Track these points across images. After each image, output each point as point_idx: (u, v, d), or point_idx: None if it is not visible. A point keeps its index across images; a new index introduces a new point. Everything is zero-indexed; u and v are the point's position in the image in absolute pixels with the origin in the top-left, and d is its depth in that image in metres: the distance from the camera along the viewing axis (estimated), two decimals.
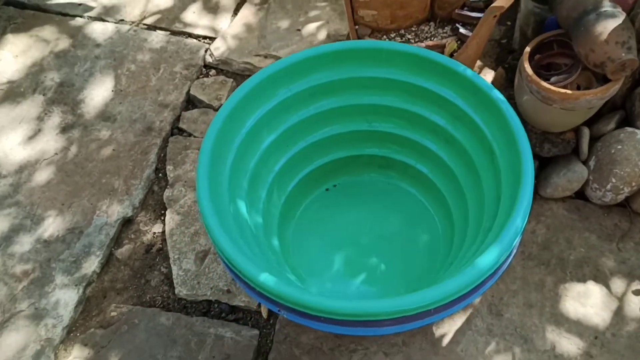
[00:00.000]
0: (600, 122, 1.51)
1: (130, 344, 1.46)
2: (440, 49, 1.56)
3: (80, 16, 2.21)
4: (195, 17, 2.18)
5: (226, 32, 2.11)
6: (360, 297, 1.38)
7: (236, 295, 1.50)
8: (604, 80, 1.36)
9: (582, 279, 1.44)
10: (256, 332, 1.45)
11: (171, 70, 2.01)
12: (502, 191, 1.19)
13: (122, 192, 1.72)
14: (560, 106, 1.36)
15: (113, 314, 1.52)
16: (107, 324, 1.50)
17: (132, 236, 1.67)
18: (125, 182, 1.74)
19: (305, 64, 1.34)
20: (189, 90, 1.96)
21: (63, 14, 2.22)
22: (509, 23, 1.96)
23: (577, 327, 1.37)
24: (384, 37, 1.64)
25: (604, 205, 1.53)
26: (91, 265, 1.59)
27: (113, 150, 1.81)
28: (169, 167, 1.78)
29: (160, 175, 1.79)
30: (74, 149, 1.82)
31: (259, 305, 1.48)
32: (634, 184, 1.44)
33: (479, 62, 1.82)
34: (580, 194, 1.56)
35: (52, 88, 1.98)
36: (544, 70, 1.43)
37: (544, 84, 1.35)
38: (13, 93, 1.97)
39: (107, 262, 1.62)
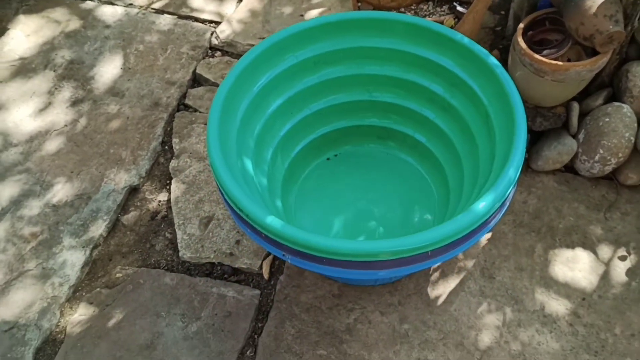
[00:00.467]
0: (589, 98, 1.59)
1: (134, 302, 1.51)
2: None
3: (91, 0, 2.28)
4: (201, 3, 2.26)
5: (231, 16, 2.18)
6: None
7: (239, 258, 1.56)
8: (593, 53, 1.43)
9: (571, 246, 1.50)
10: (257, 292, 1.50)
11: (178, 51, 2.08)
12: (496, 150, 1.25)
13: (129, 162, 1.78)
14: (551, 78, 1.43)
15: (118, 275, 1.57)
16: (113, 284, 1.55)
17: (138, 204, 1.73)
18: (132, 153, 1.80)
19: (311, 32, 1.41)
20: (195, 69, 2.03)
21: None
22: (503, 12, 2.04)
23: (566, 290, 1.43)
24: None
25: (592, 177, 1.60)
26: (98, 229, 1.64)
27: (121, 123, 1.87)
28: (175, 140, 1.84)
29: (166, 147, 1.85)
30: (83, 121, 1.88)
31: (261, 267, 1.54)
32: (620, 155, 1.51)
33: None
34: (570, 168, 1.63)
35: (62, 65, 2.04)
36: (536, 46, 1.51)
37: (537, 56, 1.43)
38: (25, 69, 2.03)
39: (114, 227, 1.68)
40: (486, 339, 1.37)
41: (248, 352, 1.41)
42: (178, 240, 1.61)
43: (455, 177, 1.45)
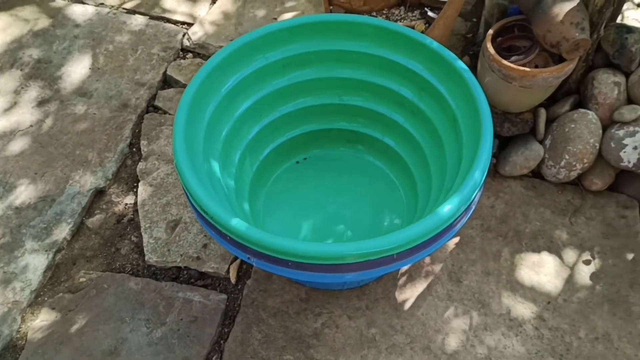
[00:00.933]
0: (556, 105, 1.61)
1: (98, 307, 1.47)
2: None
3: None
4: (174, 4, 2.24)
5: (204, 18, 2.17)
6: None
7: (205, 262, 1.54)
8: (560, 60, 1.45)
9: (537, 250, 1.51)
10: (224, 296, 1.48)
11: (149, 52, 2.05)
12: (463, 154, 1.25)
13: (96, 164, 1.75)
14: (519, 84, 1.45)
15: (82, 279, 1.54)
16: (76, 289, 1.52)
17: (104, 206, 1.70)
18: (99, 154, 1.77)
19: (281, 34, 1.40)
20: (165, 70, 2.00)
21: None
22: (474, 20, 2.06)
23: (532, 293, 1.44)
24: None
25: (558, 182, 1.62)
26: (62, 232, 1.60)
27: (88, 124, 1.84)
28: (143, 142, 1.82)
29: (134, 149, 1.82)
30: (49, 122, 1.84)
31: (228, 271, 1.52)
32: (585, 160, 1.53)
33: None
34: (537, 174, 1.65)
35: (29, 64, 2.00)
36: (505, 52, 1.52)
37: (505, 62, 1.44)
38: None
39: (78, 230, 1.64)
40: (453, 342, 1.37)
41: (214, 358, 1.39)
42: (144, 244, 1.58)
43: (423, 181, 1.45)
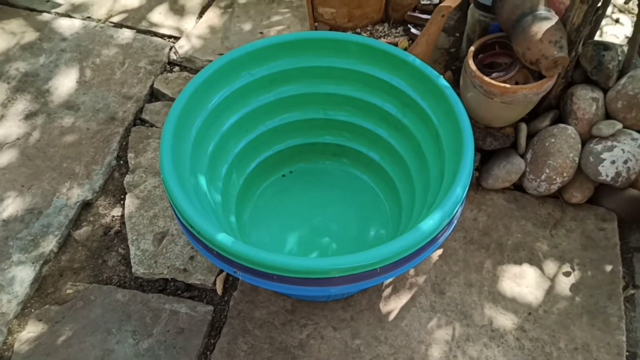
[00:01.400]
0: (536, 120, 1.65)
1: (85, 319, 1.48)
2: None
3: (48, 12, 2.26)
4: (161, 18, 2.26)
5: (191, 32, 2.19)
6: None
7: (192, 274, 1.55)
8: (539, 77, 1.49)
9: (518, 262, 1.54)
10: (211, 308, 1.50)
11: (136, 65, 2.07)
12: (446, 169, 1.28)
13: (83, 177, 1.76)
14: (500, 100, 1.48)
15: (69, 291, 1.54)
16: (63, 301, 1.52)
17: (91, 219, 1.70)
18: (86, 167, 1.78)
19: (267, 51, 1.43)
20: (152, 84, 2.02)
21: (30, 9, 2.26)
22: (457, 35, 2.11)
23: (513, 305, 1.47)
24: None
25: (539, 195, 1.66)
26: (49, 244, 1.61)
27: (75, 137, 1.85)
28: (130, 155, 1.83)
29: (121, 162, 1.83)
30: (36, 135, 1.85)
31: (214, 283, 1.53)
32: (565, 174, 1.57)
33: None
34: (519, 187, 1.69)
35: (16, 77, 2.01)
36: (486, 68, 1.56)
37: (486, 78, 1.48)
38: None
39: (65, 242, 1.65)
40: (436, 353, 1.39)
41: None
42: (131, 256, 1.59)
43: (407, 195, 1.48)
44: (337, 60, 1.48)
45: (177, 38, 2.19)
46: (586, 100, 1.58)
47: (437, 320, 1.45)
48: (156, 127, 1.91)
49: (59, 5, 2.28)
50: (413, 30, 1.69)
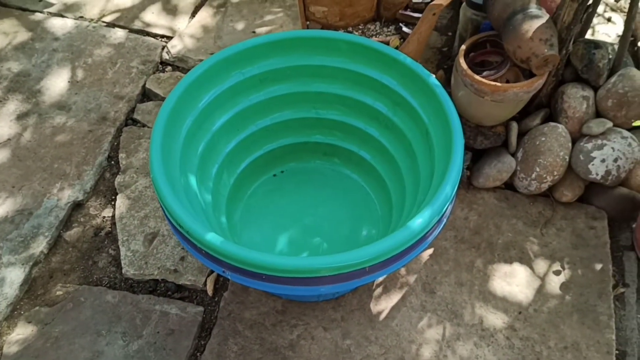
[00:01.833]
0: (527, 118, 1.64)
1: (74, 320, 1.48)
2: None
3: (40, 12, 2.25)
4: (154, 17, 2.25)
5: (183, 31, 2.19)
6: None
7: (183, 275, 1.55)
8: (530, 75, 1.49)
9: (509, 261, 1.54)
10: (201, 309, 1.49)
11: (128, 65, 2.07)
12: (435, 167, 1.28)
13: (74, 177, 1.75)
14: (491, 98, 1.48)
15: (59, 292, 1.54)
16: (53, 303, 1.52)
17: (82, 219, 1.70)
18: (77, 168, 1.78)
19: (257, 50, 1.43)
20: (144, 84, 2.01)
21: (23, 9, 2.26)
22: (450, 34, 2.10)
23: (503, 304, 1.47)
24: None
25: (530, 194, 1.65)
26: (39, 245, 1.60)
27: (67, 137, 1.85)
28: (121, 155, 1.82)
29: (112, 162, 1.83)
30: (27, 135, 1.85)
31: (205, 283, 1.53)
32: (555, 173, 1.57)
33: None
34: (509, 186, 1.68)
35: (8, 77, 2.01)
36: (477, 67, 1.56)
37: (477, 77, 1.47)
38: None
39: (56, 243, 1.64)
40: (426, 353, 1.39)
41: None
42: (121, 257, 1.59)
43: (397, 194, 1.48)
44: (328, 58, 1.47)
45: (169, 38, 2.19)
46: (577, 99, 1.58)
47: (427, 320, 1.45)
48: (148, 127, 1.91)
49: (51, 5, 2.28)
50: (405, 28, 1.69)
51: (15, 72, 2.02)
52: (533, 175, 1.58)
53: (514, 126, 1.62)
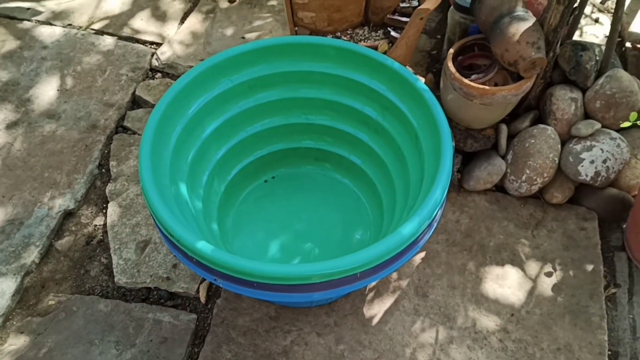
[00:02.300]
0: (516, 121, 1.65)
1: (67, 330, 1.47)
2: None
3: (28, 20, 2.24)
4: (143, 24, 2.25)
5: (173, 38, 2.18)
6: None
7: (175, 282, 1.54)
8: (518, 78, 1.50)
9: (501, 263, 1.55)
10: (194, 316, 1.49)
11: (117, 72, 2.06)
12: (425, 172, 1.28)
13: (65, 186, 1.75)
14: (480, 101, 1.49)
15: (51, 302, 1.53)
16: (45, 313, 1.51)
17: (73, 228, 1.69)
18: (67, 176, 1.77)
19: (246, 56, 1.43)
20: (134, 91, 2.01)
21: (11, 17, 2.25)
22: (438, 37, 2.11)
23: (496, 306, 1.48)
24: None
25: (520, 196, 1.66)
26: (30, 255, 1.60)
27: (57, 146, 1.84)
28: (112, 163, 1.82)
29: (103, 170, 1.82)
30: (17, 144, 1.84)
31: (198, 291, 1.53)
32: (545, 174, 1.57)
33: (411, 70, 1.95)
34: (500, 188, 1.69)
35: None
36: (466, 70, 1.56)
37: (465, 80, 1.48)
38: None
39: (47, 253, 1.64)
40: (420, 357, 1.40)
41: None
42: (114, 266, 1.58)
43: (388, 198, 1.48)
44: (316, 64, 1.48)
45: (159, 44, 2.18)
46: (565, 101, 1.59)
47: (420, 324, 1.45)
48: (138, 134, 1.90)
49: (39, 13, 2.27)
50: (393, 33, 1.69)
51: (3, 81, 2.01)
52: (523, 178, 1.59)
53: (504, 129, 1.63)
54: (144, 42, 2.19)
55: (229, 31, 2.20)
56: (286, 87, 1.51)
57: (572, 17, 1.55)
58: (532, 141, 1.57)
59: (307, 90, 1.51)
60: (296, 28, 1.72)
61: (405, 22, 1.69)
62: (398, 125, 1.43)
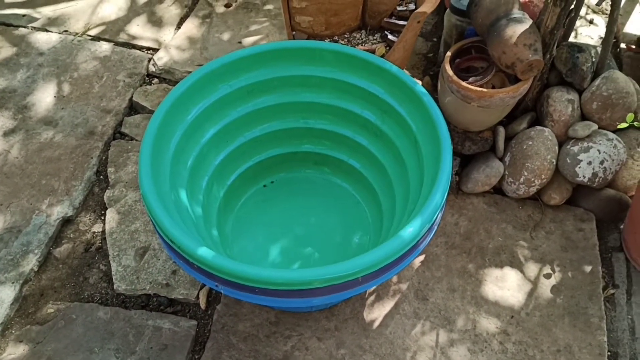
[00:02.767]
0: (514, 123, 1.66)
1: (67, 338, 1.47)
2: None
3: (24, 26, 2.24)
4: (139, 30, 2.25)
5: (169, 43, 2.18)
6: None
7: (175, 289, 1.54)
8: (515, 81, 1.50)
9: (500, 265, 1.55)
10: (194, 322, 1.49)
11: (114, 78, 2.06)
12: (425, 176, 1.29)
13: (62, 193, 1.74)
14: (477, 104, 1.49)
15: (50, 310, 1.53)
16: (44, 321, 1.51)
17: (72, 235, 1.69)
18: (65, 183, 1.77)
19: (244, 62, 1.43)
20: (131, 97, 2.01)
21: (7, 24, 2.24)
22: (435, 39, 2.12)
23: (495, 308, 1.48)
24: None
25: (518, 198, 1.67)
26: (29, 263, 1.59)
27: (54, 153, 1.84)
28: (110, 169, 1.82)
29: (101, 177, 1.82)
30: (14, 152, 1.83)
31: (197, 297, 1.53)
32: (543, 176, 1.58)
33: (408, 73, 1.96)
34: (498, 190, 1.70)
35: None
36: (463, 73, 1.57)
37: (463, 83, 1.48)
38: None
39: (46, 260, 1.63)
40: None
41: None
42: (113, 272, 1.58)
43: (387, 202, 1.49)
44: (314, 68, 1.48)
45: (155, 50, 2.18)
46: (562, 102, 1.59)
47: (421, 327, 1.45)
48: (136, 140, 1.90)
49: (35, 19, 2.26)
50: (390, 36, 1.70)
51: (0, 88, 2.01)
52: (521, 179, 1.59)
53: (501, 131, 1.63)
54: (140, 48, 2.19)
55: (226, 36, 2.20)
56: (284, 91, 1.51)
57: (569, 19, 1.56)
58: (530, 143, 1.58)
59: (306, 95, 1.52)
60: (294, 32, 1.72)
61: (403, 26, 1.70)
62: (397, 129, 1.43)
